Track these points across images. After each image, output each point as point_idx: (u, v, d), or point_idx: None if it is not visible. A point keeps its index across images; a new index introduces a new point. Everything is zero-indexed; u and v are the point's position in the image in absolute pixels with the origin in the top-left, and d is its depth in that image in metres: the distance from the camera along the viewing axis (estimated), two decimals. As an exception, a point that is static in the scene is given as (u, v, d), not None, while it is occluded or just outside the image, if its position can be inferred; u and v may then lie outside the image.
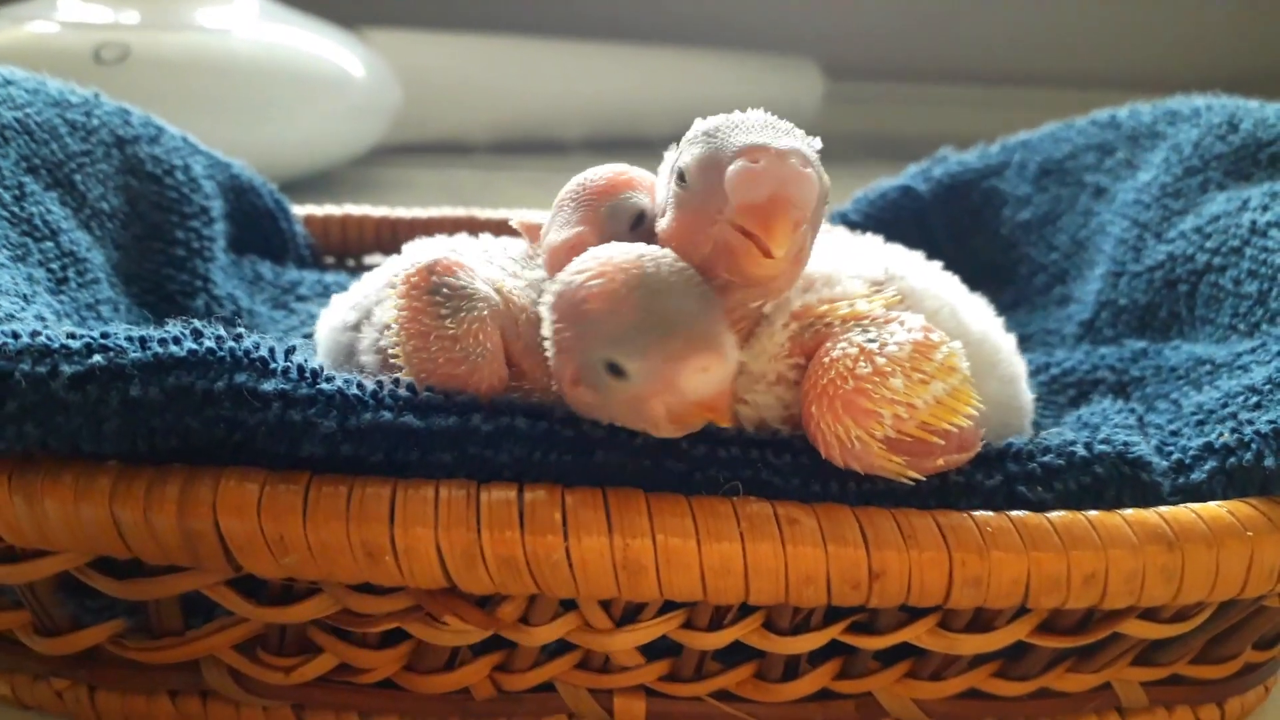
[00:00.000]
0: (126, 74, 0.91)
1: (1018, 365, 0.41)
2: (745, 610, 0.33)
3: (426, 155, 1.24)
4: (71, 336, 0.30)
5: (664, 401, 0.30)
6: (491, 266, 0.37)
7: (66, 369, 0.29)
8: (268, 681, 0.34)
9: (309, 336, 0.49)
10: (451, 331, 0.33)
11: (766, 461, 0.32)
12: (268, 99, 1.01)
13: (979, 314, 0.41)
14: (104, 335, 0.30)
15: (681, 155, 0.33)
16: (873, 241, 0.43)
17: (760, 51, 1.43)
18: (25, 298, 0.38)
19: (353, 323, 0.38)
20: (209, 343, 0.31)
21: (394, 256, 0.40)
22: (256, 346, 0.31)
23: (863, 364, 0.32)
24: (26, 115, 0.46)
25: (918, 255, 0.43)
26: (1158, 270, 0.48)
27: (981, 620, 0.33)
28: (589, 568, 0.29)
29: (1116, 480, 0.33)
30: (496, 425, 0.31)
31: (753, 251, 0.30)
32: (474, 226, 0.62)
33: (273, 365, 0.31)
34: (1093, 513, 0.32)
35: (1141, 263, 0.49)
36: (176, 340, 0.31)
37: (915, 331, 0.32)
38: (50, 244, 0.43)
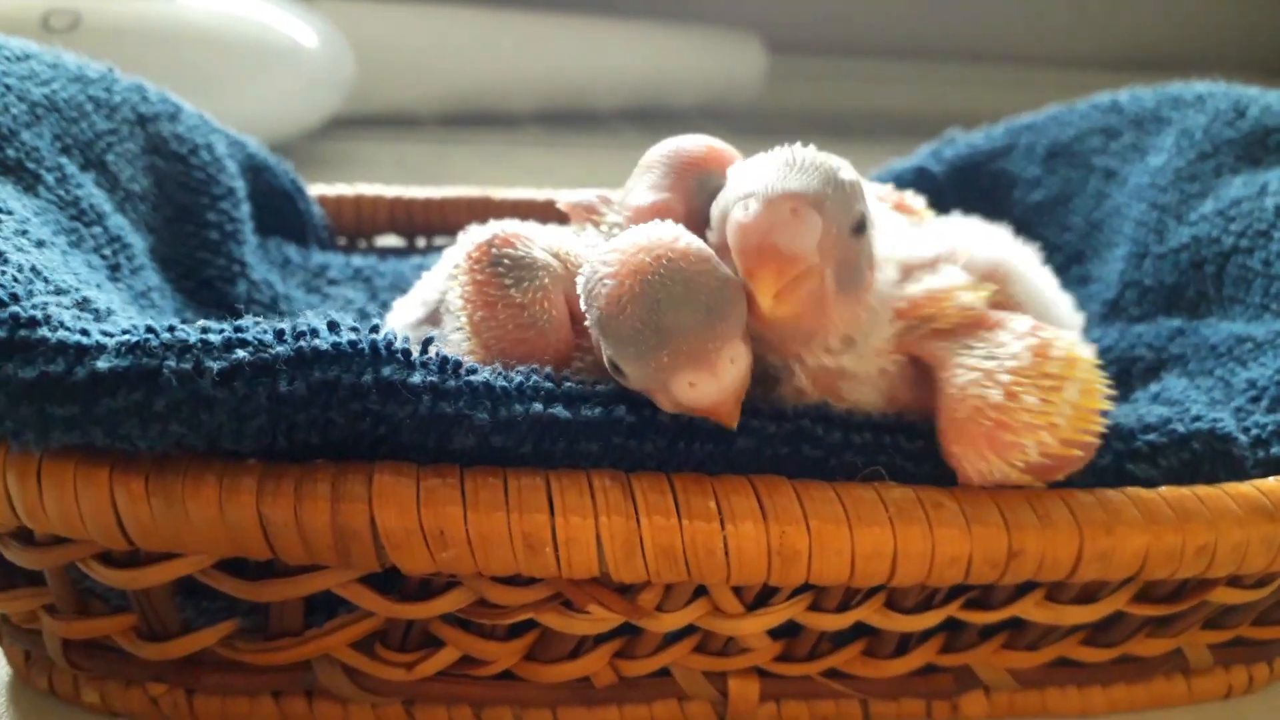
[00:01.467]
0: (77, 43, 0.86)
1: (1077, 319, 0.43)
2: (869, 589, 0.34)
3: (379, 129, 1.21)
4: (207, 330, 0.29)
5: (666, 400, 0.31)
6: (550, 233, 0.37)
7: (213, 365, 0.28)
8: (386, 678, 0.34)
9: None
10: (518, 300, 0.34)
11: (899, 447, 0.33)
12: (219, 70, 0.97)
13: (1041, 273, 0.42)
14: (238, 329, 0.29)
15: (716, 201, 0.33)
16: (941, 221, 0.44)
17: (704, 25, 1.44)
18: (98, 287, 0.37)
19: (423, 317, 0.38)
20: (349, 335, 0.30)
21: (450, 249, 0.40)
22: (396, 338, 0.30)
23: (993, 391, 0.31)
24: (53, 92, 0.44)
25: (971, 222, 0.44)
26: (1183, 252, 0.50)
27: (1086, 591, 0.35)
28: (744, 555, 0.30)
29: (1210, 456, 0.35)
30: (640, 416, 0.31)
31: (753, 301, 0.31)
32: (489, 207, 0.61)
33: (414, 357, 0.30)
34: (1198, 488, 0.33)
35: (1165, 244, 0.51)
36: (314, 332, 0.30)
37: (1027, 336, 0.33)
38: (99, 229, 0.41)
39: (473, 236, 0.36)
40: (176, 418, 0.28)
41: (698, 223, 0.33)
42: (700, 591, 0.33)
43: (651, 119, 1.48)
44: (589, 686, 0.35)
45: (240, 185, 0.51)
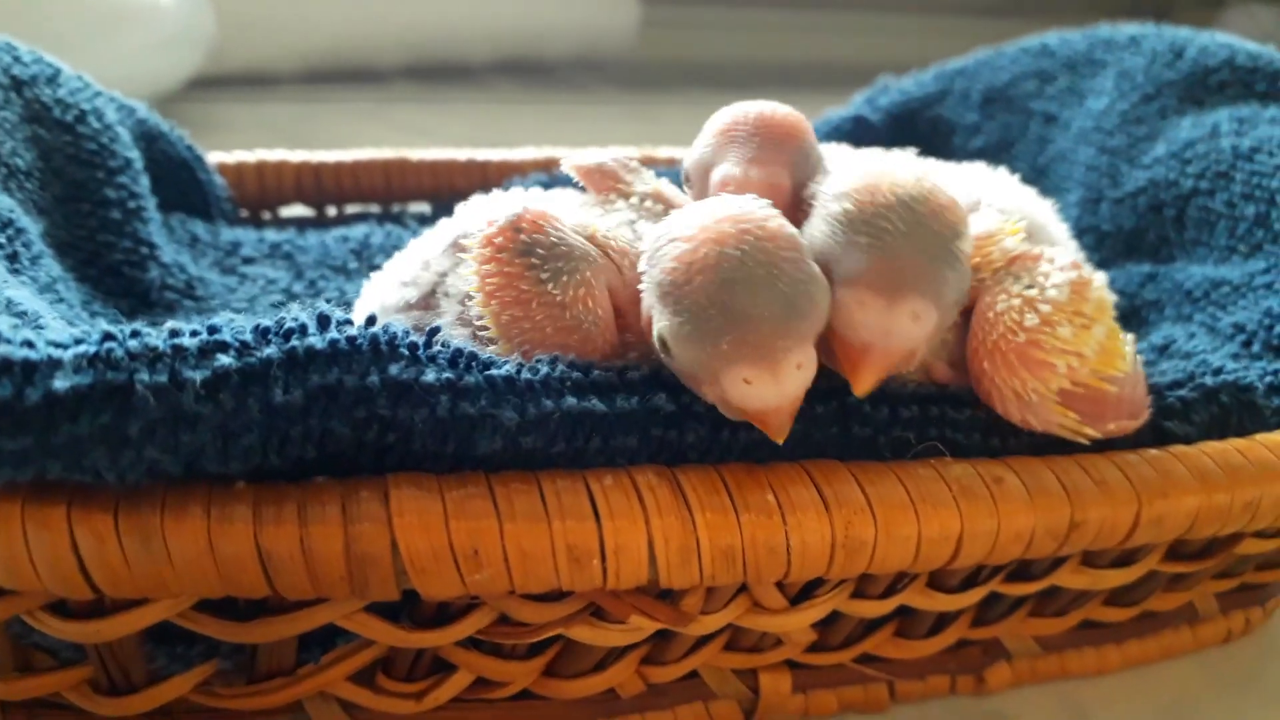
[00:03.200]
0: (-107, -3, 0.76)
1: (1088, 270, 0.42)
2: (911, 571, 0.31)
3: (240, 88, 1.13)
4: (176, 334, 0.24)
5: (711, 393, 0.27)
6: (570, 207, 0.33)
7: (194, 375, 0.23)
8: (390, 711, 0.30)
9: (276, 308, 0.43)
10: (558, 297, 0.29)
11: (948, 418, 0.30)
12: (65, 28, 0.87)
13: (1057, 221, 0.41)
14: (212, 329, 0.25)
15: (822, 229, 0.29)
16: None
17: (576, -25, 1.39)
18: (4, 284, 0.31)
19: (415, 300, 0.33)
20: (348, 330, 0.25)
21: (444, 221, 0.35)
22: (402, 332, 0.26)
23: (1029, 315, 0.30)
24: (-93, 52, 0.37)
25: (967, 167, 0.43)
26: (1139, 195, 0.50)
27: (1122, 555, 0.34)
28: (808, 550, 0.27)
29: (1237, 408, 0.34)
30: (679, 404, 0.28)
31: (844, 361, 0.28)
32: (405, 170, 0.57)
33: (422, 352, 0.26)
34: (1235, 441, 0.32)
35: (1120, 189, 0.51)
36: (305, 329, 0.25)
37: (1067, 270, 0.32)
38: (-14, 213, 0.35)
39: (482, 212, 0.31)
40: (153, 441, 0.23)
41: (800, 200, 0.30)
42: (741, 588, 0.30)
43: (526, 71, 1.43)
44: (614, 698, 0.32)
45: (136, 156, 0.45)
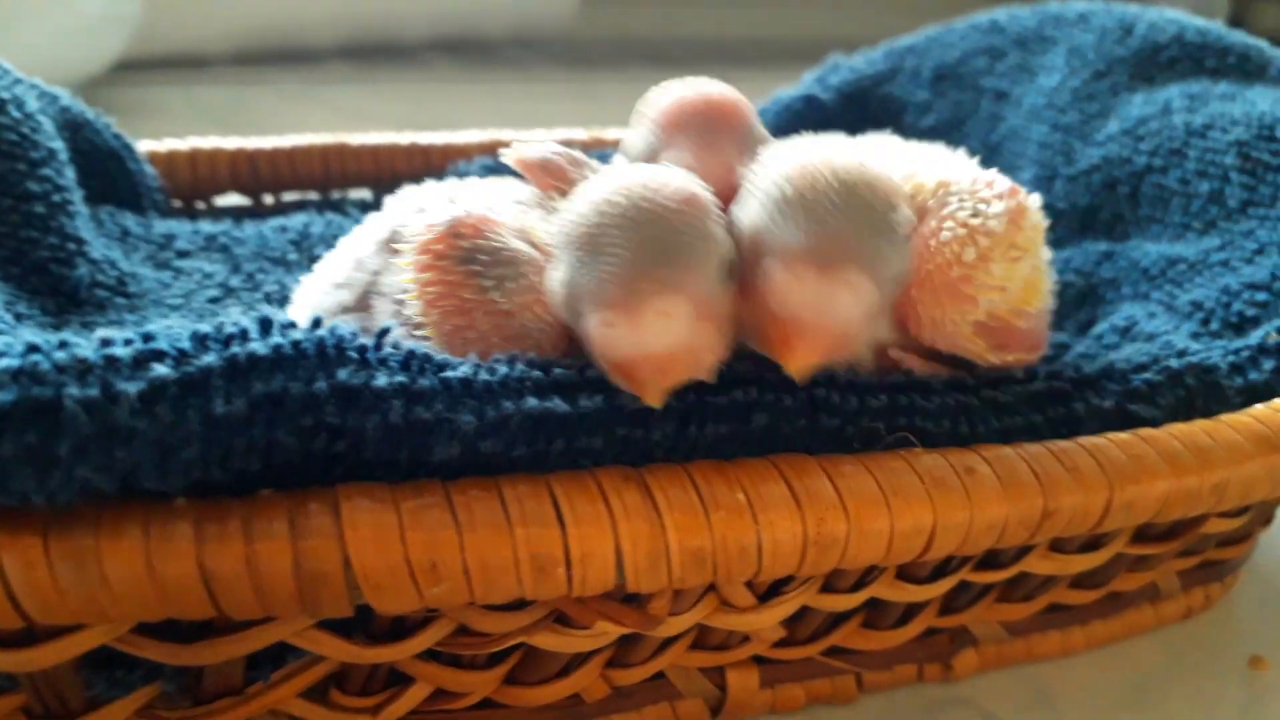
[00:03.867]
0: None
1: None
2: (881, 564, 0.31)
3: (169, 71, 1.09)
4: (108, 343, 0.23)
5: (590, 347, 0.27)
6: (516, 212, 0.31)
7: (128, 387, 0.22)
8: (346, 727, 0.29)
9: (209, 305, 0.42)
10: (503, 305, 0.28)
11: (917, 406, 0.30)
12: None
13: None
14: (147, 337, 0.23)
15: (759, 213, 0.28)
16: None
17: (514, -48, 1.37)
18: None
19: (351, 302, 0.32)
20: (292, 334, 0.24)
21: (372, 216, 0.34)
22: (350, 334, 0.25)
23: (969, 249, 0.31)
24: None
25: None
26: (1093, 173, 0.49)
27: (1090, 540, 0.33)
28: (780, 549, 0.26)
29: (1202, 389, 0.34)
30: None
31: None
32: (345, 155, 0.55)
33: (372, 354, 0.25)
34: (1201, 423, 0.32)
35: (1074, 166, 0.50)
36: (245, 334, 0.24)
37: (1006, 198, 0.32)
38: (-103, 211, 0.33)
39: (413, 206, 0.30)
40: (85, 460, 0.21)
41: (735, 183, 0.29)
42: (709, 587, 0.29)
43: (464, 50, 1.40)
44: (578, 703, 0.31)
45: (60, 146, 0.43)
